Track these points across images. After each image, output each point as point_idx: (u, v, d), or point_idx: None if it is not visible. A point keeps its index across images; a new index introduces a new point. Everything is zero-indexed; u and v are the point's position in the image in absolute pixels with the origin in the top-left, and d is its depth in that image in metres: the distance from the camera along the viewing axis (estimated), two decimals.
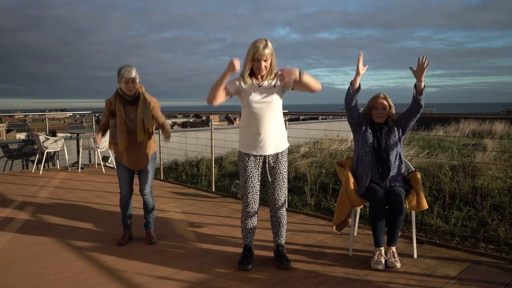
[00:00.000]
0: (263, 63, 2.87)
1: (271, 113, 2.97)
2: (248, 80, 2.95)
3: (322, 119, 15.95)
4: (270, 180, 3.09)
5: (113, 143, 3.60)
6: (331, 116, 16.40)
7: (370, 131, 3.29)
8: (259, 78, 2.97)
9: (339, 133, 11.15)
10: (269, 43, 2.88)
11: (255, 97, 2.94)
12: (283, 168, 3.10)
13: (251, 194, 3.07)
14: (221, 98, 2.94)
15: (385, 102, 3.28)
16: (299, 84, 2.92)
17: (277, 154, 3.06)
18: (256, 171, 3.06)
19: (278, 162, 3.07)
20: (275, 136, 3.02)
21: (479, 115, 9.06)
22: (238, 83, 2.99)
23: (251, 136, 3.01)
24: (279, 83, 2.99)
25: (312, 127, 12.48)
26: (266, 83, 2.98)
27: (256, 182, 3.08)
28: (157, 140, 4.50)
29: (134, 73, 3.42)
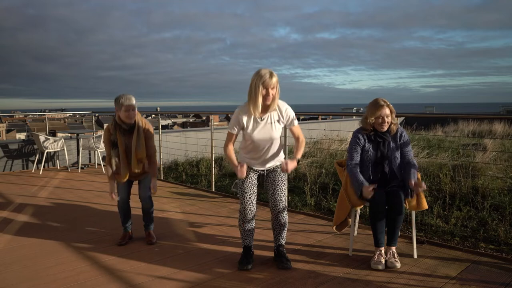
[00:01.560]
0: (271, 92, 2.89)
1: (271, 143, 3.07)
2: (255, 113, 2.96)
3: (322, 119, 15.94)
4: (270, 186, 3.14)
5: (115, 173, 3.56)
6: (331, 116, 16.41)
7: (372, 145, 3.23)
8: (255, 113, 2.98)
9: (339, 133, 11.14)
10: (274, 72, 2.90)
11: (257, 133, 3.00)
12: (282, 173, 3.16)
13: (248, 200, 3.09)
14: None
15: (387, 111, 3.12)
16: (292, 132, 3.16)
17: (274, 166, 3.18)
18: (253, 175, 3.13)
19: (276, 169, 3.16)
20: (273, 157, 3.14)
21: (478, 115, 9.07)
22: (240, 121, 3.01)
23: (251, 159, 3.12)
24: (281, 117, 3.04)
25: (312, 127, 12.47)
26: (267, 116, 3.01)
27: (254, 185, 3.12)
28: (157, 140, 4.50)
29: (134, 101, 3.43)
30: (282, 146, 3.27)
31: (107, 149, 3.58)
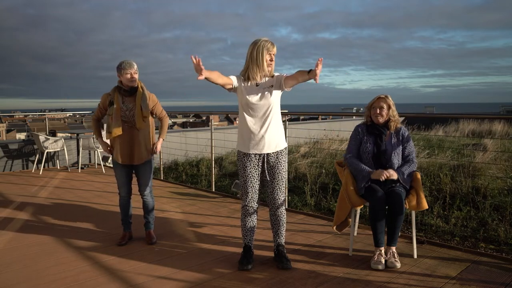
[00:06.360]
0: (273, 58, 3.02)
1: (269, 112, 3.02)
2: (256, 77, 3.00)
3: (322, 119, 15.95)
4: (269, 179, 3.10)
5: (108, 132, 3.58)
6: (331, 116, 16.41)
7: (370, 137, 3.30)
8: (257, 77, 3.01)
9: (339, 133, 11.14)
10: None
11: (253, 97, 2.99)
12: (282, 168, 3.11)
13: (250, 194, 3.10)
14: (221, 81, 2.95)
15: (382, 102, 3.27)
16: (289, 81, 2.96)
17: (275, 153, 3.08)
18: (255, 171, 3.08)
19: (277, 161, 3.08)
20: (273, 136, 3.05)
21: (479, 115, 9.08)
22: (240, 81, 3.03)
23: (250, 135, 3.03)
24: (275, 83, 3.04)
25: (312, 127, 12.47)
26: (264, 82, 3.03)
27: (255, 181, 3.10)
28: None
29: (135, 65, 3.57)
30: (283, 130, 3.16)
31: (96, 112, 3.70)
